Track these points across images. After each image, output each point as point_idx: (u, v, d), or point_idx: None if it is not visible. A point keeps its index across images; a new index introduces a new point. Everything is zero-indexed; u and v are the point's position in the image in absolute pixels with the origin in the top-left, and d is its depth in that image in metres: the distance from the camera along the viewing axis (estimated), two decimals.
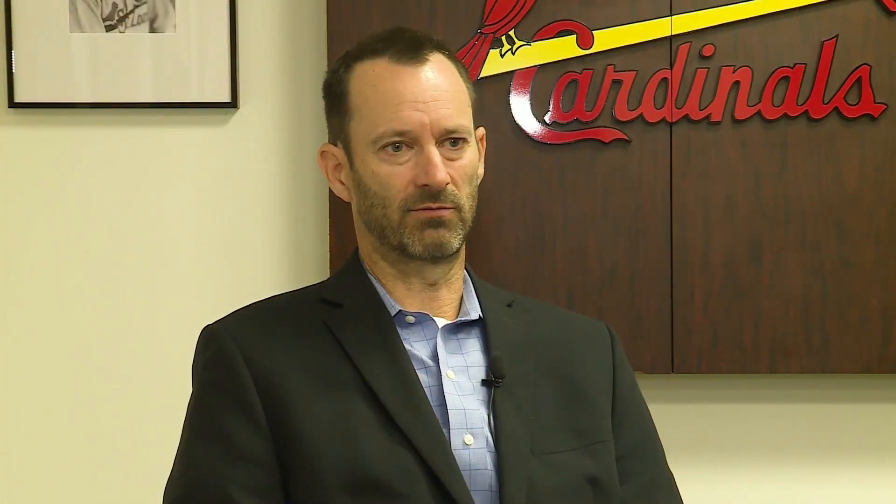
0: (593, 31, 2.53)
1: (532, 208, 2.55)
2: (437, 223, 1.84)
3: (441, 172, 1.82)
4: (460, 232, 1.86)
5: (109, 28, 2.61)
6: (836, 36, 2.52)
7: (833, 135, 2.53)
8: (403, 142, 1.84)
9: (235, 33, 2.62)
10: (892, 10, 2.52)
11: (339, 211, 2.49)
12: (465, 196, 1.86)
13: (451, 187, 1.84)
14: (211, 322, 1.89)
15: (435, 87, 1.85)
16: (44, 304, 2.65)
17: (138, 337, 2.64)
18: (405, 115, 1.83)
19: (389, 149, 1.84)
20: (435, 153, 1.83)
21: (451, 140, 1.85)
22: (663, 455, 1.98)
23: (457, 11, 2.54)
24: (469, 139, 1.87)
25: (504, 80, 2.54)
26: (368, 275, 1.91)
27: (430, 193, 1.83)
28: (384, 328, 1.85)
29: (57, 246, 2.65)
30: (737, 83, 2.52)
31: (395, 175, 1.84)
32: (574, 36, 2.54)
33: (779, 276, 2.54)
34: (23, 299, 2.65)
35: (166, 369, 2.61)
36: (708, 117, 2.53)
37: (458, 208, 1.85)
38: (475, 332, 1.89)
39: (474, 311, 1.91)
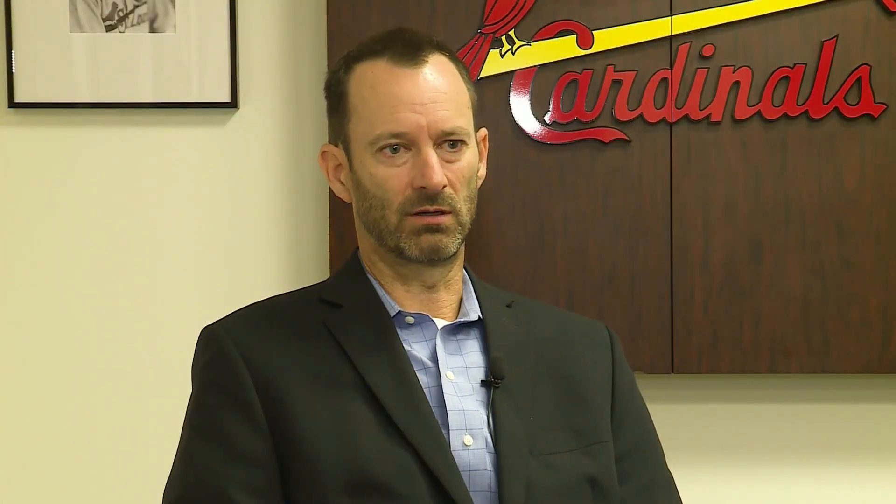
0: (593, 31, 2.53)
1: (532, 208, 2.55)
2: (435, 229, 1.84)
3: (438, 175, 1.82)
4: (458, 236, 1.86)
5: (109, 28, 2.61)
6: (836, 36, 2.52)
7: (833, 135, 2.53)
8: (401, 144, 1.84)
9: (235, 33, 2.62)
10: (892, 10, 2.52)
11: (339, 211, 2.49)
12: (463, 199, 1.85)
13: (448, 190, 1.84)
14: (210, 322, 1.89)
15: (433, 88, 1.84)
16: (44, 304, 2.65)
17: (138, 337, 2.64)
18: (402, 116, 1.83)
19: (387, 151, 1.84)
20: (432, 155, 1.83)
21: (450, 142, 1.85)
22: (663, 455, 1.98)
23: (457, 11, 2.54)
24: (468, 141, 1.87)
25: (504, 80, 2.54)
26: (368, 275, 1.91)
27: (427, 196, 1.82)
28: (383, 329, 1.85)
29: (57, 246, 2.65)
30: (737, 83, 2.52)
31: (393, 177, 1.84)
32: (574, 36, 2.54)
33: (779, 276, 2.54)
34: (23, 299, 2.65)
35: (166, 369, 2.61)
36: (708, 117, 2.53)
37: (455, 212, 1.84)
38: (474, 332, 1.89)
39: (474, 312, 1.90)
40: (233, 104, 2.62)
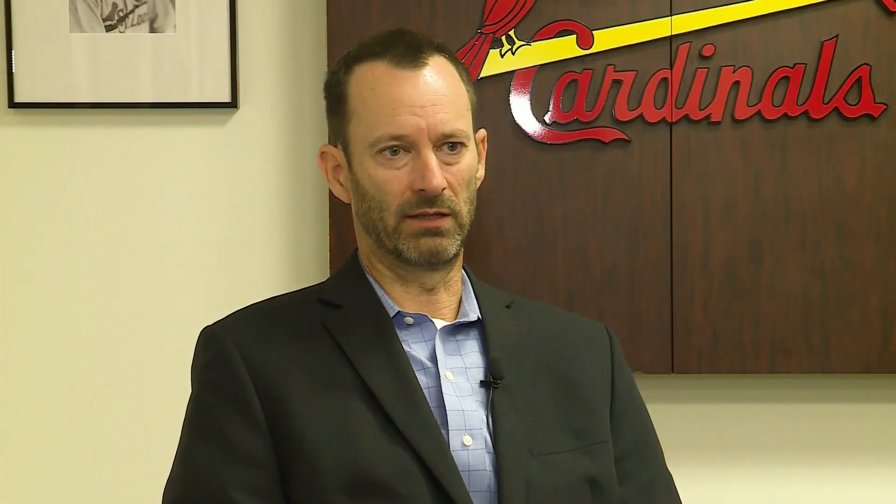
0: (593, 31, 2.53)
1: (532, 208, 2.55)
2: (434, 232, 1.84)
3: (437, 178, 1.82)
4: (457, 238, 1.86)
5: (109, 28, 2.62)
6: (836, 36, 2.52)
7: (833, 135, 2.53)
8: (401, 146, 1.84)
9: (235, 33, 2.62)
10: (892, 10, 2.52)
11: (339, 211, 2.49)
12: (463, 201, 1.86)
13: (447, 192, 1.84)
14: (210, 323, 1.89)
15: (433, 91, 1.84)
16: (44, 305, 2.65)
17: (138, 337, 2.64)
18: (402, 119, 1.83)
19: (387, 153, 1.84)
20: (432, 158, 1.83)
21: (449, 144, 1.85)
22: (662, 456, 1.98)
23: (457, 11, 2.54)
24: (467, 143, 1.87)
25: (504, 80, 2.54)
26: (367, 276, 1.91)
27: (427, 198, 1.83)
28: (383, 329, 1.85)
29: (57, 246, 2.65)
30: (737, 83, 2.52)
31: (393, 179, 1.84)
32: (574, 36, 2.54)
33: (779, 276, 2.54)
34: (23, 299, 2.65)
35: (166, 370, 2.61)
36: (708, 117, 2.53)
37: (454, 214, 1.85)
38: (474, 333, 1.89)
39: (473, 313, 1.91)
40: (233, 104, 2.62)
